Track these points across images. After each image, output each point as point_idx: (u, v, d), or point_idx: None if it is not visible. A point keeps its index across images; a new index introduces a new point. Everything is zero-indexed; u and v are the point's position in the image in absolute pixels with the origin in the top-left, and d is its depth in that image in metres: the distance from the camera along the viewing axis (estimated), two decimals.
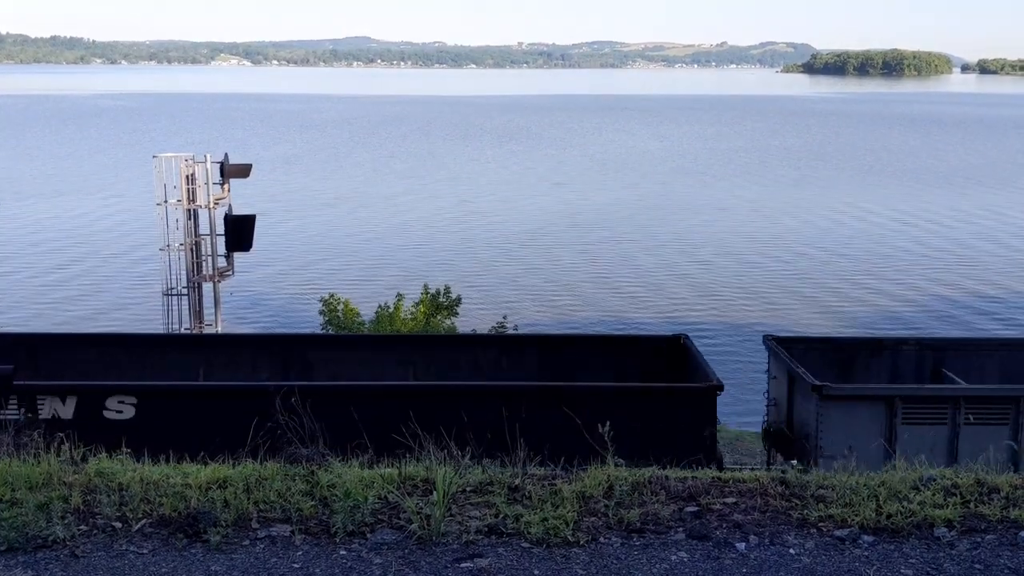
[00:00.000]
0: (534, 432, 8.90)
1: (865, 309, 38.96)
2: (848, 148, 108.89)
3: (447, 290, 27.95)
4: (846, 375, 15.59)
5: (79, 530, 5.65)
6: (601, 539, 5.65)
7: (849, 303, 39.87)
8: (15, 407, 12.14)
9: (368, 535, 5.64)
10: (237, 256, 23.95)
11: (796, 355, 14.88)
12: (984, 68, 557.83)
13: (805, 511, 5.99)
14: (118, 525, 5.72)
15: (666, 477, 6.50)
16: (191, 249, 22.78)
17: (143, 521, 5.76)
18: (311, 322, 31.04)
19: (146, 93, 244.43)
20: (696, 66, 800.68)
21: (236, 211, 23.10)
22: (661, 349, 15.67)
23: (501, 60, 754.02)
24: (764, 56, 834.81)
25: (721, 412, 13.73)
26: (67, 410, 12.64)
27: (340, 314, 26.59)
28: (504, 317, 27.47)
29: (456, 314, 27.75)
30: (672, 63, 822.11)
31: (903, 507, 5.94)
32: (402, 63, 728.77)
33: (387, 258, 47.64)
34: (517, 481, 6.32)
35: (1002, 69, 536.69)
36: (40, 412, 12.50)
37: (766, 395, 15.76)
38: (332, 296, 27.37)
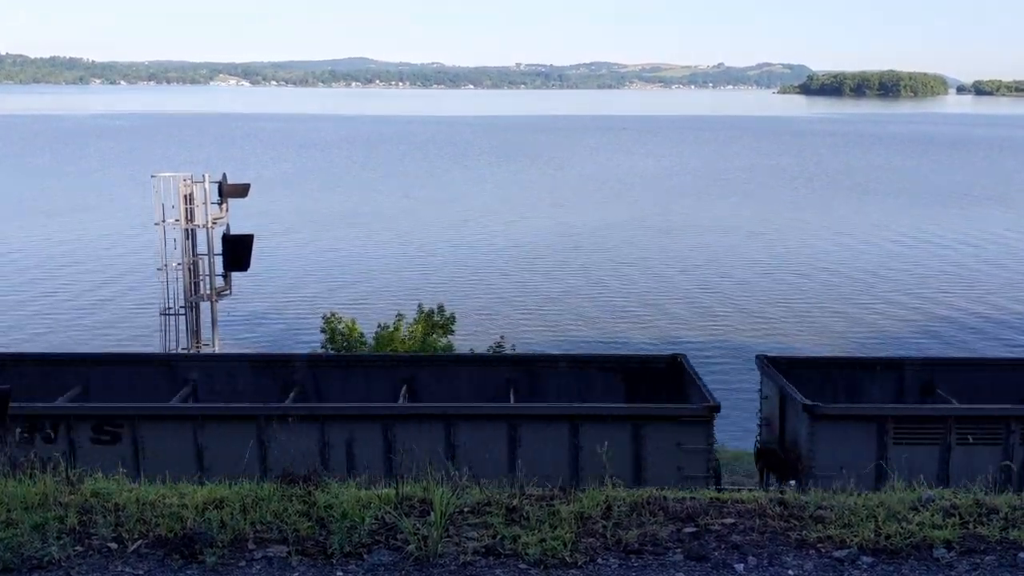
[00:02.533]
0: None
1: (862, 328, 38.98)
2: (845, 168, 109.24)
3: (441, 309, 28.00)
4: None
5: (75, 551, 5.62)
6: (599, 560, 5.62)
7: (846, 322, 39.89)
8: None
9: (365, 556, 5.62)
10: (235, 276, 23.98)
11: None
12: (979, 89, 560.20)
13: (804, 532, 5.97)
14: (114, 546, 5.70)
15: (664, 498, 6.48)
16: (189, 269, 22.79)
17: (139, 542, 5.74)
18: (309, 342, 31.02)
19: (145, 113, 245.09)
20: (693, 87, 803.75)
21: (234, 231, 23.14)
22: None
23: (499, 80, 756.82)
24: (761, 77, 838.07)
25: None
26: None
27: (342, 332, 26.59)
28: (501, 336, 27.49)
29: (452, 332, 27.78)
30: (669, 84, 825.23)
31: (902, 528, 5.92)
32: (400, 83, 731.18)
33: (385, 277, 47.66)
34: (515, 502, 6.30)
35: (997, 90, 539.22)
36: None
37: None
38: (334, 315, 27.38)
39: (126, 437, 13.57)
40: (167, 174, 23.66)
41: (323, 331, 27.19)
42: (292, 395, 15.69)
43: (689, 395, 14.94)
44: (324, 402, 15.65)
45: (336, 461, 13.35)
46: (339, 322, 26.94)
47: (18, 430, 13.36)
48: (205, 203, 22.95)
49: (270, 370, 16.54)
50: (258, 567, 5.50)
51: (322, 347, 26.76)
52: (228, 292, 24.05)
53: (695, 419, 13.51)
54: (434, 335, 27.09)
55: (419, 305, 28.22)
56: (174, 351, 22.14)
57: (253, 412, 13.89)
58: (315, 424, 13.62)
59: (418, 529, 5.74)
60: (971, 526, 6.02)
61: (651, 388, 15.98)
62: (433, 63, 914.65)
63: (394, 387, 16.00)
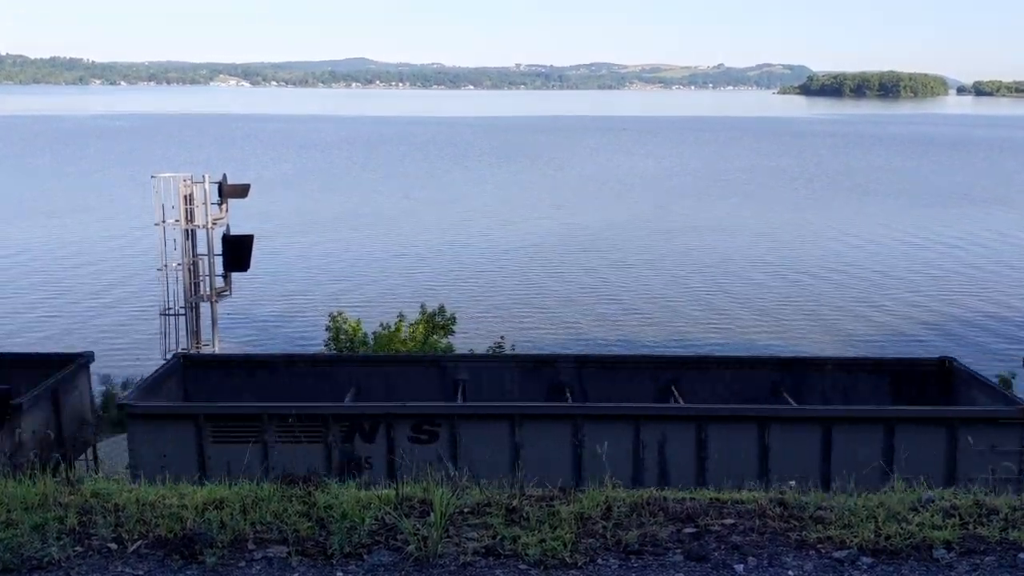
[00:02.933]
0: None
1: (868, 328, 38.98)
2: (845, 169, 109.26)
3: (442, 309, 28.02)
4: None
5: (74, 551, 5.62)
6: (599, 560, 5.62)
7: (853, 322, 39.88)
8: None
9: (365, 556, 5.61)
10: (235, 276, 23.97)
11: None
12: (979, 90, 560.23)
13: (804, 532, 5.97)
14: (114, 546, 5.70)
15: (664, 498, 6.48)
16: (189, 269, 22.78)
17: (139, 542, 5.74)
18: (308, 342, 31.03)
19: (145, 113, 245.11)
20: (693, 88, 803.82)
21: (234, 231, 23.14)
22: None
23: (499, 81, 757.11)
24: (761, 78, 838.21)
25: None
26: None
27: (346, 331, 26.62)
28: (502, 337, 27.51)
29: (452, 333, 27.80)
30: (669, 84, 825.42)
31: (902, 528, 5.92)
32: (400, 84, 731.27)
33: (385, 278, 47.65)
34: (515, 503, 6.30)
35: (997, 91, 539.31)
36: None
37: None
38: (340, 314, 27.43)
39: (443, 436, 13.72)
40: (167, 175, 23.66)
41: (328, 329, 27.22)
42: (569, 396, 15.80)
43: (968, 397, 15.09)
44: (590, 403, 15.67)
45: (650, 461, 13.53)
46: (344, 322, 26.98)
47: (339, 429, 13.78)
48: (205, 204, 22.94)
49: (536, 371, 16.67)
50: (258, 567, 5.50)
51: (325, 346, 26.80)
52: (228, 292, 24.05)
53: (1011, 421, 13.57)
54: (435, 336, 27.10)
55: (422, 305, 28.25)
56: (177, 350, 22.13)
57: (569, 412, 14.03)
58: (629, 424, 13.69)
59: (418, 529, 5.74)
60: (971, 527, 6.02)
61: (918, 390, 16.03)
62: (433, 64, 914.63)
63: (658, 388, 16.07)
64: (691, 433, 13.53)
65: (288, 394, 15.95)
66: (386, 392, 15.84)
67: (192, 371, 16.42)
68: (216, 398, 15.65)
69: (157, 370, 15.79)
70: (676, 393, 15.63)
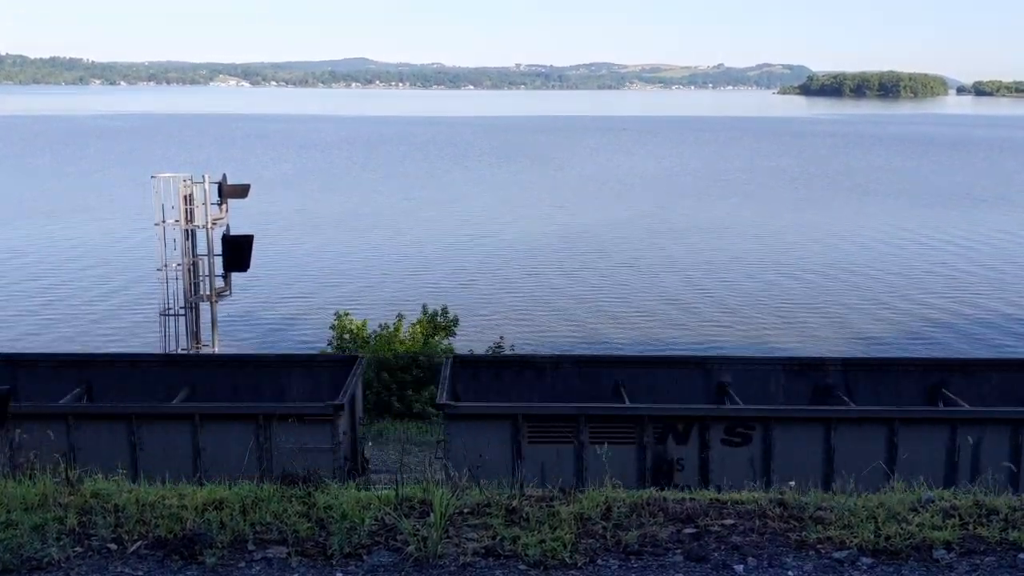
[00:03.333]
0: None
1: (871, 327, 38.99)
2: (845, 169, 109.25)
3: (444, 310, 27.97)
4: None
5: (74, 552, 5.62)
6: (599, 561, 5.62)
7: (860, 322, 39.90)
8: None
9: (365, 557, 5.62)
10: (235, 276, 23.98)
11: None
12: (979, 90, 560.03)
13: (804, 533, 5.97)
14: (113, 547, 5.70)
15: (664, 499, 6.48)
16: (189, 269, 22.78)
17: (139, 543, 5.74)
18: (308, 343, 31.03)
19: (145, 113, 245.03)
20: (693, 88, 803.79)
21: (234, 231, 23.14)
22: None
23: (499, 81, 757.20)
24: (761, 78, 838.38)
25: None
26: None
27: (351, 331, 26.63)
28: (501, 337, 27.48)
29: (454, 334, 27.77)
30: (669, 84, 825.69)
31: (902, 529, 5.92)
32: (400, 84, 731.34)
33: (385, 278, 47.63)
34: (515, 503, 6.30)
35: (997, 91, 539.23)
36: None
37: None
38: (346, 314, 27.45)
39: (756, 438, 13.74)
40: (167, 175, 23.65)
41: (332, 328, 27.22)
42: (847, 400, 15.73)
43: None
44: (907, 407, 15.52)
45: (963, 463, 13.55)
46: (351, 322, 26.98)
47: (653, 430, 13.84)
48: (205, 204, 22.94)
49: (803, 373, 16.63)
50: (258, 568, 5.50)
51: (329, 345, 26.81)
52: (228, 293, 24.06)
53: None
54: (436, 337, 27.07)
55: (423, 306, 28.19)
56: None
57: (885, 415, 13.96)
58: (946, 427, 13.69)
59: (418, 530, 5.74)
60: (971, 527, 6.02)
61: None
62: (433, 63, 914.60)
63: (925, 391, 16.06)
64: (1005, 436, 13.64)
65: (555, 394, 16.06)
66: (651, 393, 15.88)
67: (462, 371, 16.64)
68: (485, 398, 15.87)
69: (443, 372, 16.00)
70: (949, 396, 15.68)
